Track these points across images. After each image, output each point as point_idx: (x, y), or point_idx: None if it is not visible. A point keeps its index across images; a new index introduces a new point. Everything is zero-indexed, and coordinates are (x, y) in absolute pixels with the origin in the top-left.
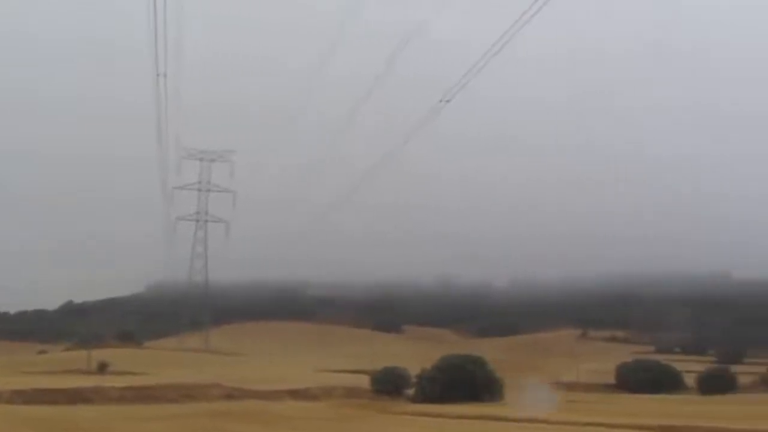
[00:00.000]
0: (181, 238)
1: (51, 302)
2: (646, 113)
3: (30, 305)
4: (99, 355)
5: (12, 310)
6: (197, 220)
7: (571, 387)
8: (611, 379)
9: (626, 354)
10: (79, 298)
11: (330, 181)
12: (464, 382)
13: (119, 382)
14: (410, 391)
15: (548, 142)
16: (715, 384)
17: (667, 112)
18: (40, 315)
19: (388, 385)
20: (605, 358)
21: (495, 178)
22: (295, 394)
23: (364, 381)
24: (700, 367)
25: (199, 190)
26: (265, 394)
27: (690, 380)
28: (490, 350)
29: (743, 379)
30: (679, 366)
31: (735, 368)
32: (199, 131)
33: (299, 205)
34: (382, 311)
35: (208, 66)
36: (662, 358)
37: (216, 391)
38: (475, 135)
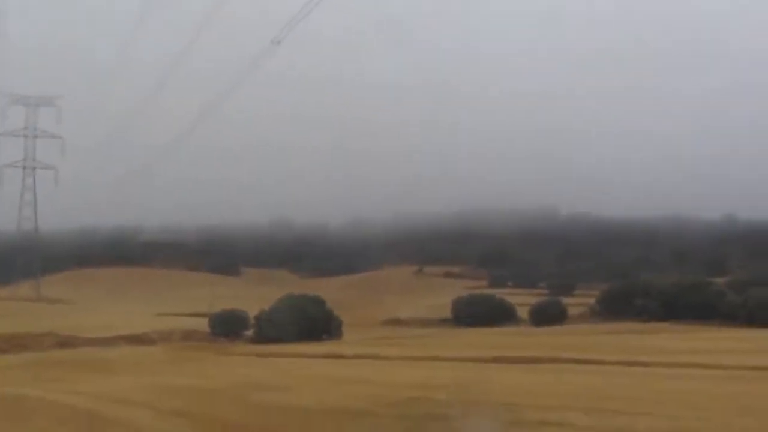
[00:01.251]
0: (8, 186)
1: None
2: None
3: None
4: None
5: None
6: (24, 167)
7: (408, 323)
8: (447, 314)
9: (461, 289)
10: None
11: (160, 124)
12: (303, 322)
13: None
14: (249, 333)
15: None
16: (547, 315)
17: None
18: None
19: (227, 327)
20: (441, 294)
21: (329, 117)
22: (131, 340)
23: (203, 324)
24: (532, 300)
25: (26, 136)
26: (99, 341)
27: (523, 313)
28: (327, 290)
29: (573, 311)
30: (512, 299)
31: (565, 300)
32: (25, 77)
33: (128, 150)
34: (218, 254)
35: (34, 9)
36: (496, 292)
37: (49, 339)
38: (309, 73)
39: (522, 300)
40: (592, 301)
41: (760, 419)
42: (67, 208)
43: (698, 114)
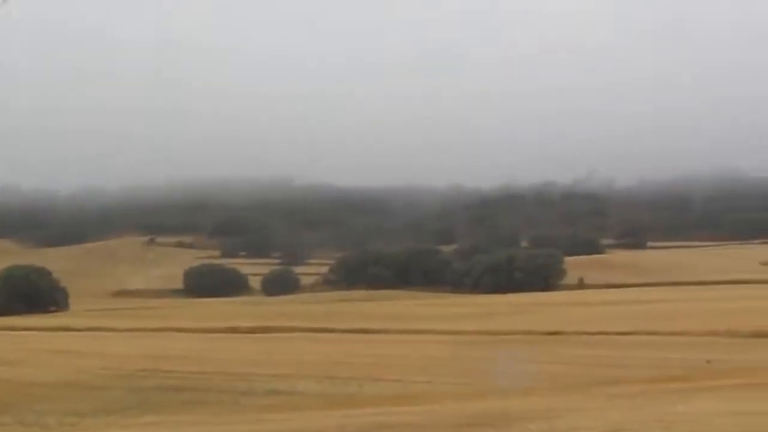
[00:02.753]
0: None
1: None
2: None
3: None
4: None
5: None
6: None
7: (138, 293)
8: (179, 285)
9: (194, 259)
10: None
11: None
12: (28, 294)
13: None
14: None
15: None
16: (279, 285)
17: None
18: None
19: None
20: (173, 264)
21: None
22: None
23: None
24: (265, 270)
25: None
26: None
27: (256, 283)
28: (55, 260)
29: (306, 280)
30: (244, 269)
31: (299, 269)
32: None
33: None
34: None
35: None
36: (228, 262)
37: None
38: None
39: (255, 270)
40: (325, 269)
41: (486, 381)
42: None
43: (424, 87)
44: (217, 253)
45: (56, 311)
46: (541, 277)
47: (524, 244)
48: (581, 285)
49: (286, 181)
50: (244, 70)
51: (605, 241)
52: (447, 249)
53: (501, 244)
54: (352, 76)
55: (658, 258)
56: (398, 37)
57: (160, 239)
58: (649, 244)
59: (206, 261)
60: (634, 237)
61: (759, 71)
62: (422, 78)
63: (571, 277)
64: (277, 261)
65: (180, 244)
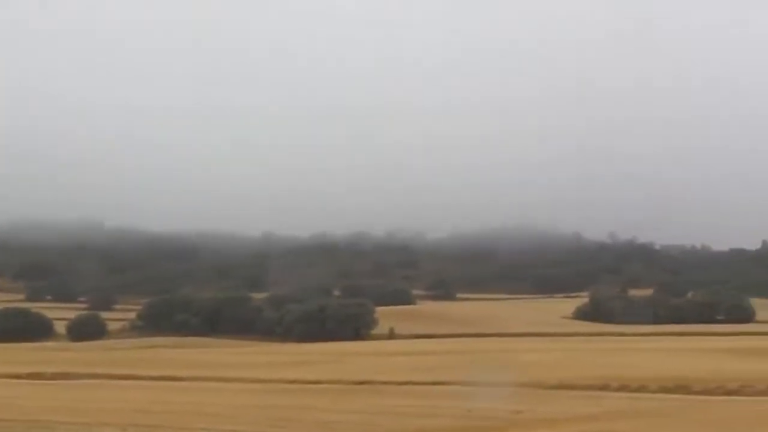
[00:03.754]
0: None
1: None
2: None
3: None
4: None
5: None
6: None
7: None
8: None
9: None
10: None
11: None
12: None
13: None
14: None
15: None
16: (85, 330)
17: None
18: None
19: None
20: None
21: None
22: None
23: None
24: (71, 314)
25: None
26: None
27: (61, 327)
28: None
29: (113, 326)
30: (50, 313)
31: (106, 315)
32: None
33: None
34: None
35: None
36: (33, 306)
37: None
38: None
39: (61, 314)
40: (132, 315)
41: (293, 430)
42: None
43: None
44: (21, 296)
45: None
46: (352, 326)
47: (336, 293)
48: (392, 335)
49: (96, 224)
50: (61, 114)
51: (416, 292)
52: (259, 297)
53: (313, 293)
54: (165, 121)
55: (466, 309)
56: (213, 86)
57: None
58: (459, 295)
59: (9, 304)
60: (444, 288)
61: (562, 134)
62: (234, 127)
63: (381, 327)
64: (84, 306)
65: None
